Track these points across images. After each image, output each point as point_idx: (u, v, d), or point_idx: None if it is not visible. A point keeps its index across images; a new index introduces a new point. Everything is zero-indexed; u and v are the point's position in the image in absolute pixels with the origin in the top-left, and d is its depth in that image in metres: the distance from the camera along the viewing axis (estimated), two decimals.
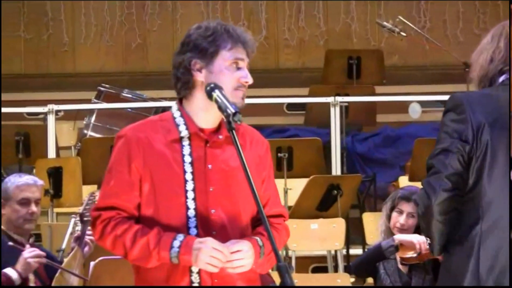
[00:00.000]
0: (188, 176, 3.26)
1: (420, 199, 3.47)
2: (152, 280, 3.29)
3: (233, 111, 3.17)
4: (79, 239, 5.37)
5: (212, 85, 3.24)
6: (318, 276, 8.13)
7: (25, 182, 5.42)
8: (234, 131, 3.17)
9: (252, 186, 3.11)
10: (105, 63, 12.19)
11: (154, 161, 3.27)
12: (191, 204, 3.25)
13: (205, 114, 3.32)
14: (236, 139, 3.17)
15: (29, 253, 5.11)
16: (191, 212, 3.25)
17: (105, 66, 12.12)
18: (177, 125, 3.31)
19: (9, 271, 5.11)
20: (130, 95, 9.53)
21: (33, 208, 5.35)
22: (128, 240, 3.22)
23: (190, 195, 3.26)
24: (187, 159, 3.27)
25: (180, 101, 3.38)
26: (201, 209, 3.25)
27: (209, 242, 3.16)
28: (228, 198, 3.30)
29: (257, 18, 12.02)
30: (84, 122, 9.61)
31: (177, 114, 3.34)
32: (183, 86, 3.31)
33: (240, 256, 3.20)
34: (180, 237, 3.19)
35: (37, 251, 5.17)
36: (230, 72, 3.28)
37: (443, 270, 3.54)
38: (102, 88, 9.66)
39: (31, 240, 5.45)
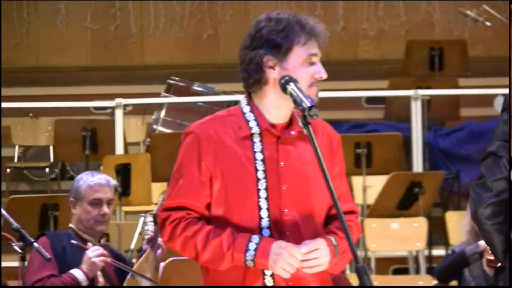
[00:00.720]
0: (260, 175, 3.25)
1: (469, 206, 3.48)
2: (222, 282, 3.29)
3: (309, 105, 3.17)
4: (152, 241, 5.38)
5: (287, 78, 3.23)
6: (399, 278, 8.20)
7: (97, 182, 5.40)
8: (309, 127, 3.18)
9: (329, 184, 3.11)
10: (175, 55, 12.25)
11: (225, 159, 3.26)
12: (263, 203, 3.25)
13: (277, 110, 3.32)
14: (312, 134, 3.17)
15: (92, 252, 5.11)
16: (264, 212, 3.25)
17: (174, 58, 12.18)
18: (247, 121, 3.30)
19: (75, 272, 5.11)
20: (201, 89, 9.57)
21: (105, 209, 5.33)
22: (200, 242, 3.22)
23: (263, 194, 3.25)
24: (259, 156, 3.27)
25: (249, 95, 3.37)
26: (274, 209, 3.25)
27: (290, 249, 3.15)
28: (301, 196, 3.29)
29: (333, 8, 12.07)
30: (153, 116, 9.68)
31: (246, 109, 3.33)
32: (255, 83, 3.29)
33: (317, 255, 3.19)
34: (256, 239, 3.20)
35: (100, 250, 5.17)
36: (304, 69, 3.27)
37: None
38: (171, 81, 9.76)
39: (103, 240, 5.46)
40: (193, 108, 9.31)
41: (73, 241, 5.19)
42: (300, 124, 3.25)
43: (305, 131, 3.22)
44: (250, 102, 3.32)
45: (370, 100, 11.25)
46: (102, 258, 5.13)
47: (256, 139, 3.27)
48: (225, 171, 3.24)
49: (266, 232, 3.22)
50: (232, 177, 3.24)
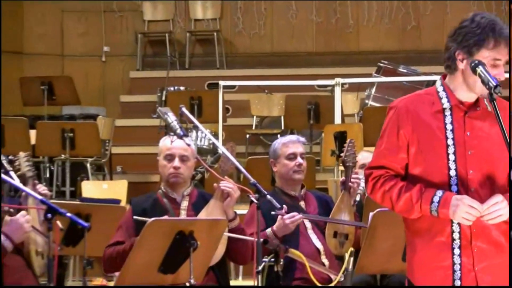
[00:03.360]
0: (450, 142, 3.24)
1: None
2: (417, 229, 3.30)
3: (495, 84, 3.14)
4: (344, 184, 5.25)
5: (476, 61, 3.20)
6: None
7: (289, 140, 5.33)
8: (494, 103, 3.15)
9: (510, 149, 3.09)
10: (384, 42, 12.19)
11: (421, 129, 3.27)
12: (452, 165, 3.23)
13: (464, 91, 3.28)
14: (496, 107, 3.13)
15: (289, 218, 4.93)
16: (452, 172, 3.23)
17: (384, 45, 12.12)
18: (440, 98, 3.30)
19: (268, 231, 4.97)
20: (405, 70, 9.52)
21: (300, 160, 5.21)
22: (395, 195, 3.25)
23: (451, 157, 3.23)
24: (449, 127, 3.26)
25: (443, 77, 3.36)
26: (461, 170, 3.22)
27: (466, 200, 3.14)
28: (484, 160, 3.24)
29: None
30: (366, 93, 9.71)
31: (440, 88, 3.32)
32: (447, 68, 3.30)
33: (497, 207, 3.14)
34: (439, 193, 3.18)
35: (297, 217, 4.98)
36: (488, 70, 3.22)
37: None
38: (381, 64, 9.78)
39: (303, 191, 5.29)
40: (398, 86, 9.25)
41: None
42: (486, 103, 3.25)
43: (489, 107, 3.23)
44: (443, 83, 3.32)
45: None
46: (294, 223, 4.95)
47: (447, 113, 3.26)
48: (421, 138, 3.25)
49: (454, 189, 3.20)
50: (426, 144, 3.25)
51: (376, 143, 3.44)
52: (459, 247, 3.22)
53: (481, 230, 3.21)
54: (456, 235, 3.22)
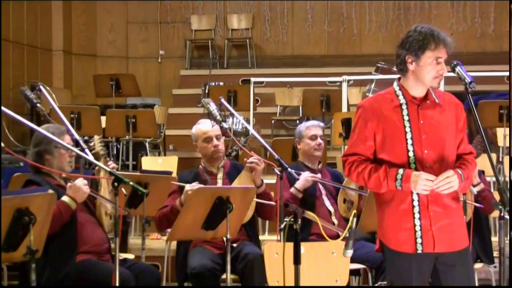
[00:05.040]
0: (407, 130, 3.25)
1: None
2: (384, 200, 3.30)
3: (469, 80, 3.20)
4: None
5: (455, 63, 3.25)
6: None
7: (312, 124, 5.33)
8: (469, 95, 3.20)
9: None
10: (382, 48, 12.06)
11: (384, 121, 3.28)
12: (410, 148, 3.24)
13: (416, 88, 3.29)
14: (471, 100, 3.17)
15: (309, 176, 4.98)
16: (411, 153, 3.24)
17: (382, 50, 11.99)
18: (397, 96, 3.31)
19: (292, 190, 4.98)
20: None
21: (319, 140, 5.22)
22: (366, 175, 3.26)
23: (409, 142, 3.24)
24: (406, 118, 3.27)
25: (398, 79, 3.37)
26: (417, 151, 3.24)
27: (423, 175, 3.17)
28: (436, 142, 3.26)
29: None
30: (367, 87, 9.69)
31: (397, 88, 3.33)
32: (401, 70, 3.31)
33: (449, 180, 3.17)
34: (401, 171, 3.20)
35: (315, 175, 5.03)
36: (431, 67, 3.23)
37: None
38: (379, 65, 9.77)
39: (320, 165, 5.30)
40: (392, 83, 9.17)
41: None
42: (433, 96, 3.27)
43: (436, 100, 3.27)
44: (399, 83, 3.33)
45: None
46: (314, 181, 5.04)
47: (404, 107, 3.27)
48: (384, 129, 3.27)
49: (412, 166, 3.22)
50: (389, 133, 3.26)
51: None
52: (419, 212, 3.23)
53: (435, 197, 3.22)
54: (415, 203, 3.23)
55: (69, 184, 4.19)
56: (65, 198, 4.11)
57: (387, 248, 3.29)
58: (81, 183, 4.15)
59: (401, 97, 3.29)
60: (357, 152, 3.30)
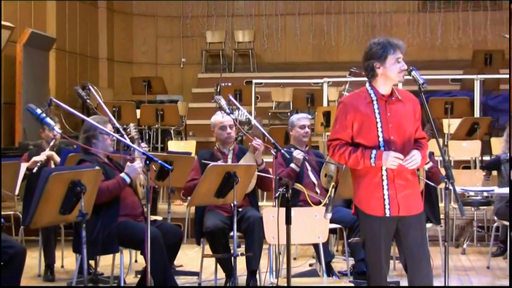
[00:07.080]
0: (378, 120, 3.20)
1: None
2: (359, 174, 3.24)
3: (422, 82, 3.19)
4: None
5: (411, 68, 3.20)
6: (465, 171, 7.19)
7: (302, 116, 5.33)
8: (422, 93, 3.18)
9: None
10: (355, 56, 11.54)
11: (360, 114, 3.22)
12: (380, 134, 3.20)
13: (383, 88, 3.24)
14: (424, 97, 3.16)
15: (298, 154, 5.00)
16: (381, 138, 3.20)
17: (354, 57, 11.71)
18: (370, 94, 3.25)
19: (292, 165, 5.00)
20: None
21: (307, 129, 5.23)
22: (346, 155, 3.19)
23: (379, 129, 3.20)
24: (376, 111, 3.21)
25: (370, 82, 3.30)
26: (386, 136, 3.20)
27: (391, 153, 3.15)
28: (400, 129, 3.21)
29: None
30: (342, 87, 9.56)
31: (369, 88, 3.26)
32: (371, 76, 3.25)
33: (414, 158, 3.14)
34: (374, 151, 3.16)
35: (302, 154, 5.03)
36: (395, 66, 3.20)
37: None
38: (352, 70, 9.64)
39: (307, 148, 5.28)
40: (362, 84, 9.02)
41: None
42: (397, 94, 3.22)
43: (399, 97, 3.22)
44: (371, 84, 3.27)
45: (453, 80, 10.58)
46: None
47: (375, 103, 3.22)
48: (360, 120, 3.21)
49: (382, 148, 3.18)
50: (363, 123, 3.21)
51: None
52: (387, 184, 3.19)
53: (399, 172, 3.19)
54: (384, 177, 3.19)
55: (128, 164, 4.20)
56: (123, 175, 4.14)
57: (361, 212, 3.25)
58: (137, 165, 4.16)
59: (372, 95, 3.24)
60: (339, 137, 3.24)
